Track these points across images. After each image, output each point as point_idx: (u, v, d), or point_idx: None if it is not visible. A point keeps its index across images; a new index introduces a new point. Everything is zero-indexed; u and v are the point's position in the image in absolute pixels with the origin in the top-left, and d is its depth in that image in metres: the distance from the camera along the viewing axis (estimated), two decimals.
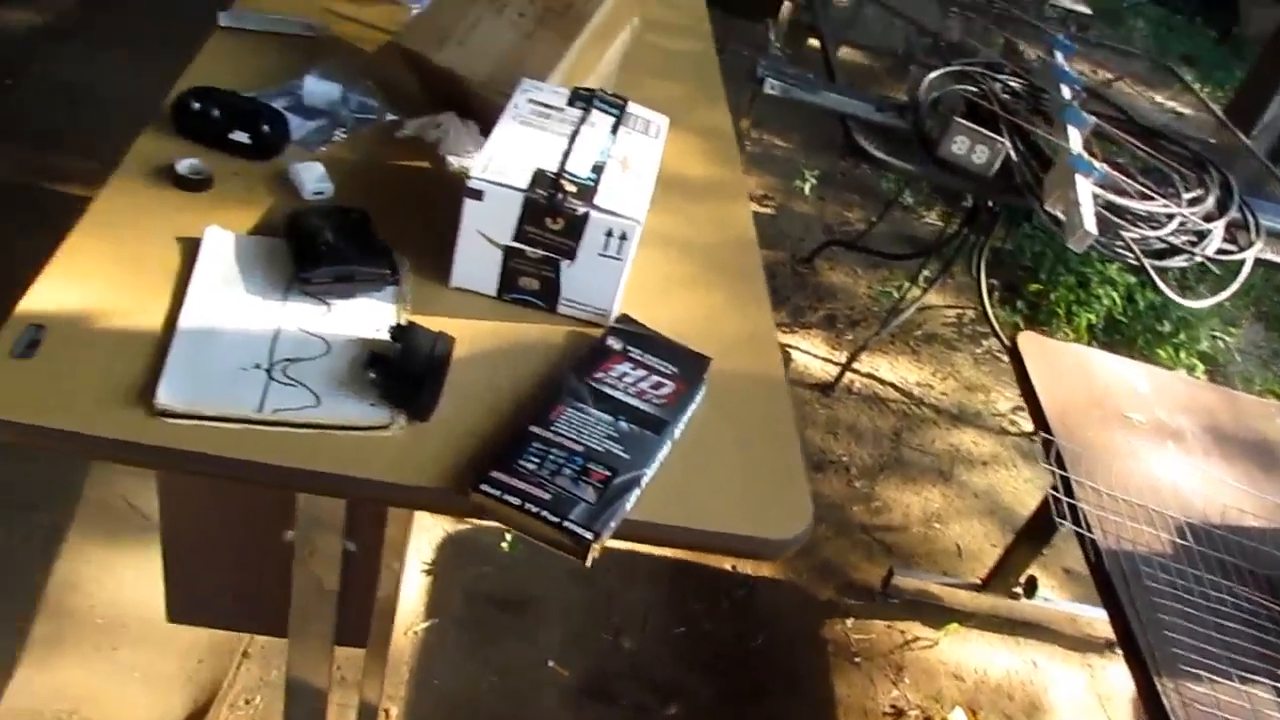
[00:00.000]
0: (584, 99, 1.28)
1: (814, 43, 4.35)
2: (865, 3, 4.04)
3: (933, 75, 2.19)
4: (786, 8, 2.72)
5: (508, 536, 2.07)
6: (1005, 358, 3.32)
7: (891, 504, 2.61)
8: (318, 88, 1.40)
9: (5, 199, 2.51)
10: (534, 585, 2.06)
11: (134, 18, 3.38)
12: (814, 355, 3.05)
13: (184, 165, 1.21)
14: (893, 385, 3.03)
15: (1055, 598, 2.42)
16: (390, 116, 1.43)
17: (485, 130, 1.40)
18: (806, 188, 3.82)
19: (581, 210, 1.10)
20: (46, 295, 1.01)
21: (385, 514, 1.14)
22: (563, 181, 1.12)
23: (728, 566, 2.24)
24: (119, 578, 1.75)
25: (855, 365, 2.99)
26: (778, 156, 4.06)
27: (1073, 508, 1.53)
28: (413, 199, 1.31)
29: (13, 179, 2.57)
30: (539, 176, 1.12)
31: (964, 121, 2.04)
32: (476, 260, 1.16)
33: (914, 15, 3.57)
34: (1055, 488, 1.57)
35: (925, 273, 2.97)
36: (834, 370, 2.98)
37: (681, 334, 1.19)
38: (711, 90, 1.83)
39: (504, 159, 1.13)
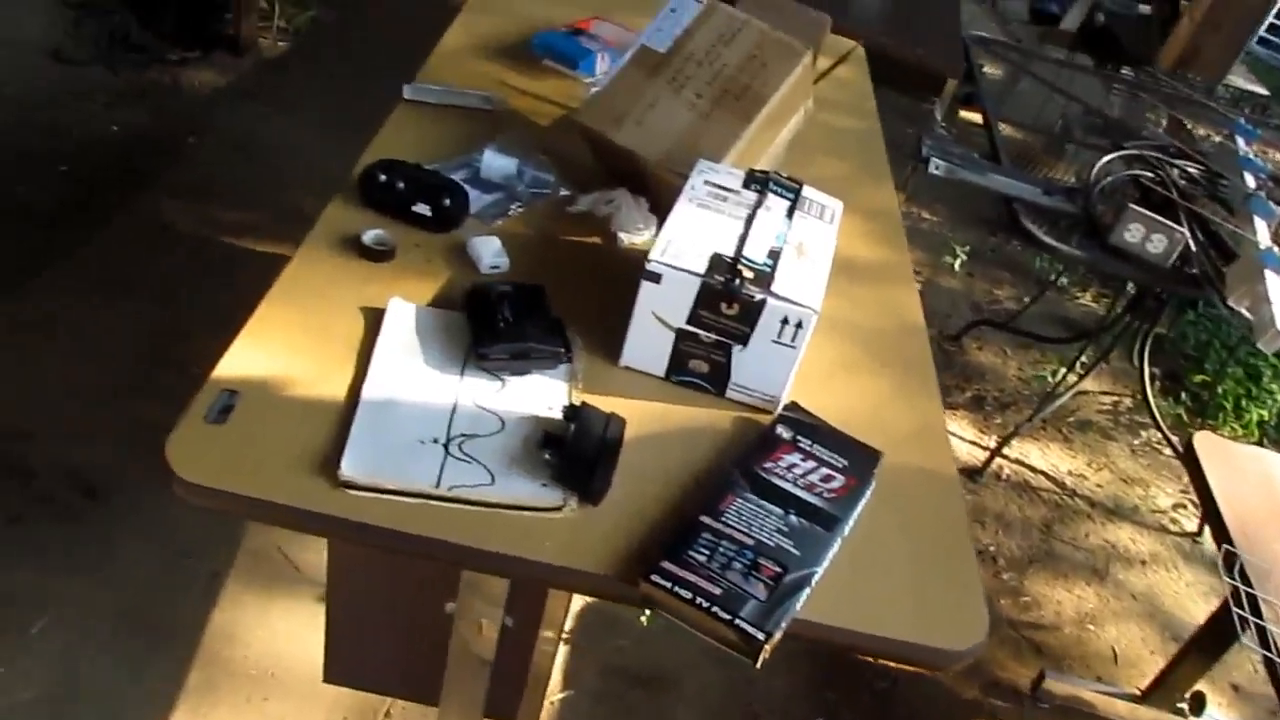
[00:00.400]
0: (759, 181, 1.28)
1: (966, 115, 4.30)
2: (1021, 76, 3.97)
3: (1104, 159, 2.12)
4: (950, 83, 2.69)
5: (646, 610, 2.05)
6: (1165, 449, 3.16)
7: (1042, 600, 2.50)
8: (495, 161, 1.44)
9: (187, 250, 2.64)
10: (671, 662, 2.02)
11: (303, 82, 3.55)
12: (961, 438, 2.96)
13: (369, 236, 1.24)
14: (1044, 473, 2.92)
15: (1223, 717, 2.27)
16: (564, 191, 1.45)
17: (656, 207, 1.42)
18: (956, 264, 3.75)
19: (758, 297, 1.09)
20: (238, 361, 1.05)
21: (546, 591, 1.14)
22: (740, 267, 1.11)
23: (869, 656, 2.17)
24: (271, 629, 1.79)
25: (1004, 450, 2.89)
26: (925, 230, 4.00)
27: (1260, 629, 1.43)
28: (585, 275, 1.32)
29: (194, 231, 2.70)
30: (716, 261, 1.11)
31: (1139, 209, 1.96)
32: (648, 341, 1.16)
33: (1074, 91, 3.49)
34: (1239, 604, 1.48)
35: (1083, 358, 2.87)
36: (982, 455, 2.88)
37: (848, 423, 1.16)
38: (877, 169, 1.81)
39: (681, 242, 1.13)
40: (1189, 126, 3.35)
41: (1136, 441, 3.19)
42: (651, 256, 1.10)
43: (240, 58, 3.50)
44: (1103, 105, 3.43)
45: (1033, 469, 2.92)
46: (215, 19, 3.58)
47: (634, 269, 1.33)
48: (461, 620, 1.10)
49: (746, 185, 1.27)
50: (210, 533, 1.92)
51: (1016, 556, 2.60)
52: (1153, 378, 3.23)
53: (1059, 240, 2.06)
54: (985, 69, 3.34)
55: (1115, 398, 3.36)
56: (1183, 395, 3.38)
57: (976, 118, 4.75)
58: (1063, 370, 3.08)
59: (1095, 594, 2.57)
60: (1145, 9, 4.38)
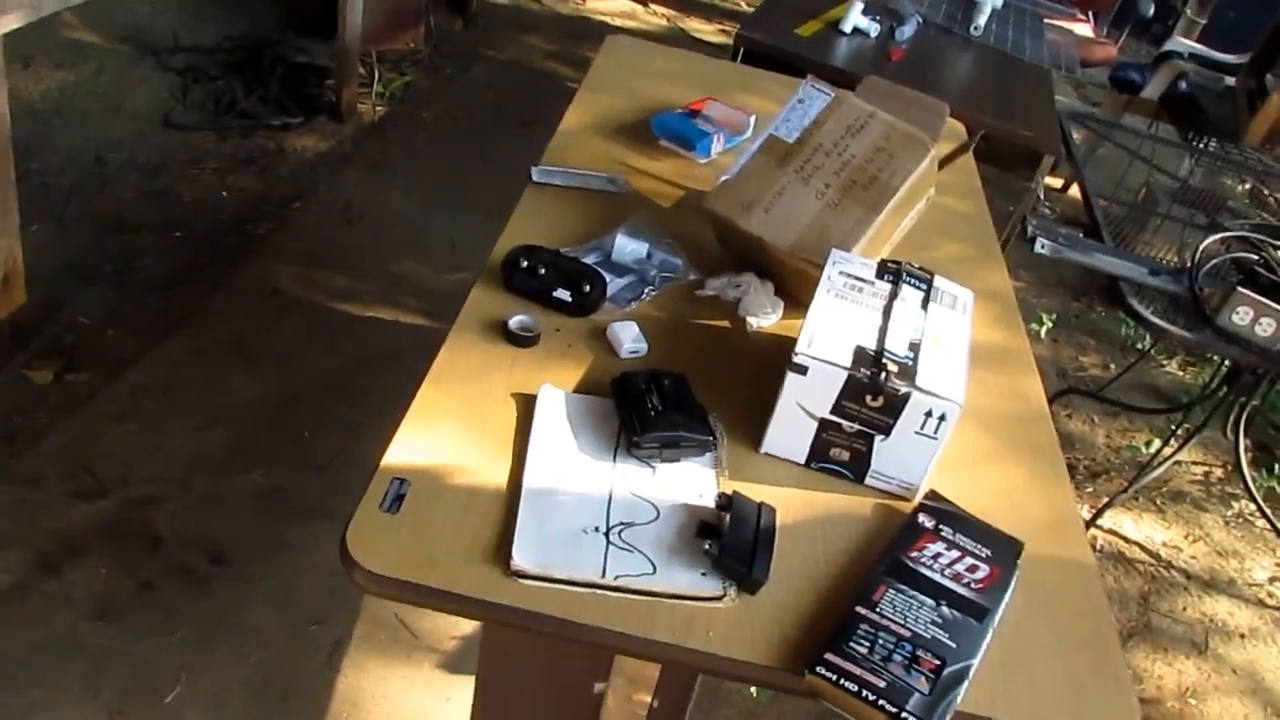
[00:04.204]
0: (892, 272, 1.31)
1: (1048, 180, 4.29)
2: (1101, 141, 3.97)
3: (1208, 240, 2.13)
4: (1046, 160, 2.71)
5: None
6: (1258, 521, 3.12)
7: (1142, 674, 2.47)
8: (627, 246, 1.48)
9: (297, 316, 2.72)
10: None
11: (400, 148, 3.65)
12: None
13: (515, 322, 1.29)
14: (1139, 544, 2.89)
15: None
16: (691, 275, 1.49)
17: (782, 292, 1.46)
18: (1042, 331, 3.74)
19: (904, 390, 1.12)
20: (405, 448, 1.09)
21: (695, 677, 1.16)
22: (884, 360, 1.14)
23: None
24: (390, 694, 1.83)
25: (1099, 521, 2.87)
26: None
27: None
28: (717, 359, 1.35)
29: (303, 296, 2.79)
30: (860, 354, 1.15)
31: (1248, 292, 1.96)
32: (790, 430, 1.19)
33: (1155, 160, 3.48)
34: None
35: (1179, 429, 2.84)
36: None
37: (984, 512, 1.18)
38: (988, 251, 1.84)
39: (826, 335, 1.16)
40: (1266, 195, 3.33)
41: (1229, 513, 3.15)
42: (798, 349, 1.14)
43: (341, 123, 3.62)
44: (1179, 172, 3.42)
45: (1127, 540, 2.89)
46: (316, 86, 3.72)
47: (765, 353, 1.38)
48: (611, 700, 1.13)
49: (880, 276, 1.30)
50: (333, 599, 1.97)
51: (1116, 629, 2.57)
52: (1244, 449, 3.19)
53: (1166, 320, 2.06)
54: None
55: (1206, 468, 3.32)
56: (1275, 467, 3.32)
57: (1055, 182, 4.77)
58: (1155, 440, 3.06)
59: (1196, 668, 2.53)
60: (1230, 81, 4.36)
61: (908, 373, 1.14)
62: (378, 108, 3.81)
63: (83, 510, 2.06)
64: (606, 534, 1.04)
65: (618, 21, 5.37)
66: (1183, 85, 4.60)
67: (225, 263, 2.83)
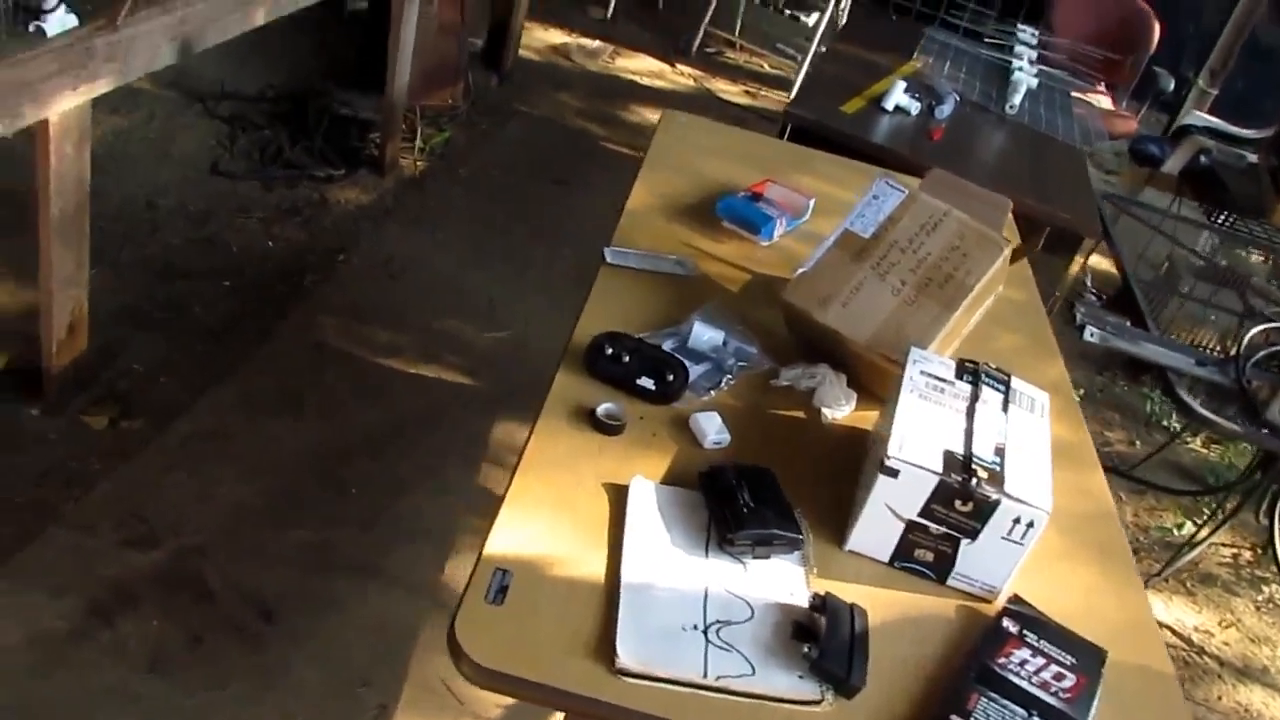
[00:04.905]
0: (971, 373, 1.34)
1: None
2: (1120, 214, 4.01)
3: (1253, 331, 2.16)
4: (1087, 242, 2.75)
5: None
6: None
7: None
8: (704, 334, 1.51)
9: (342, 369, 2.75)
10: None
11: (440, 202, 3.69)
12: None
13: (602, 410, 1.32)
14: (1170, 628, 2.89)
15: None
16: (766, 364, 1.52)
17: (855, 383, 1.48)
18: None
19: (994, 497, 1.14)
20: (505, 538, 1.11)
21: None
22: (974, 465, 1.17)
23: None
24: None
25: None
26: None
27: None
28: (797, 451, 1.38)
29: (347, 349, 2.82)
30: (950, 459, 1.17)
31: None
32: (877, 529, 1.21)
33: (1177, 235, 3.52)
34: None
35: (1214, 513, 2.86)
36: None
37: (1061, 615, 1.20)
38: (1043, 341, 1.87)
39: (915, 438, 1.19)
40: None
41: (1260, 597, 3.15)
42: (890, 453, 1.16)
43: (382, 177, 3.66)
44: (1198, 245, 3.46)
45: (1159, 624, 2.89)
46: (358, 138, 3.77)
47: (840, 444, 1.40)
48: None
49: (959, 376, 1.33)
50: (380, 661, 1.98)
51: None
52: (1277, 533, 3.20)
53: (1209, 409, 2.09)
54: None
55: (1235, 549, 3.32)
56: None
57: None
58: (1185, 521, 3.06)
59: None
60: (1253, 158, 4.42)
61: (996, 479, 1.16)
62: (418, 162, 3.86)
63: (135, 559, 2.08)
64: (705, 632, 1.06)
65: (646, 80, 5.43)
66: (1204, 160, 4.66)
67: (272, 313, 2.86)
